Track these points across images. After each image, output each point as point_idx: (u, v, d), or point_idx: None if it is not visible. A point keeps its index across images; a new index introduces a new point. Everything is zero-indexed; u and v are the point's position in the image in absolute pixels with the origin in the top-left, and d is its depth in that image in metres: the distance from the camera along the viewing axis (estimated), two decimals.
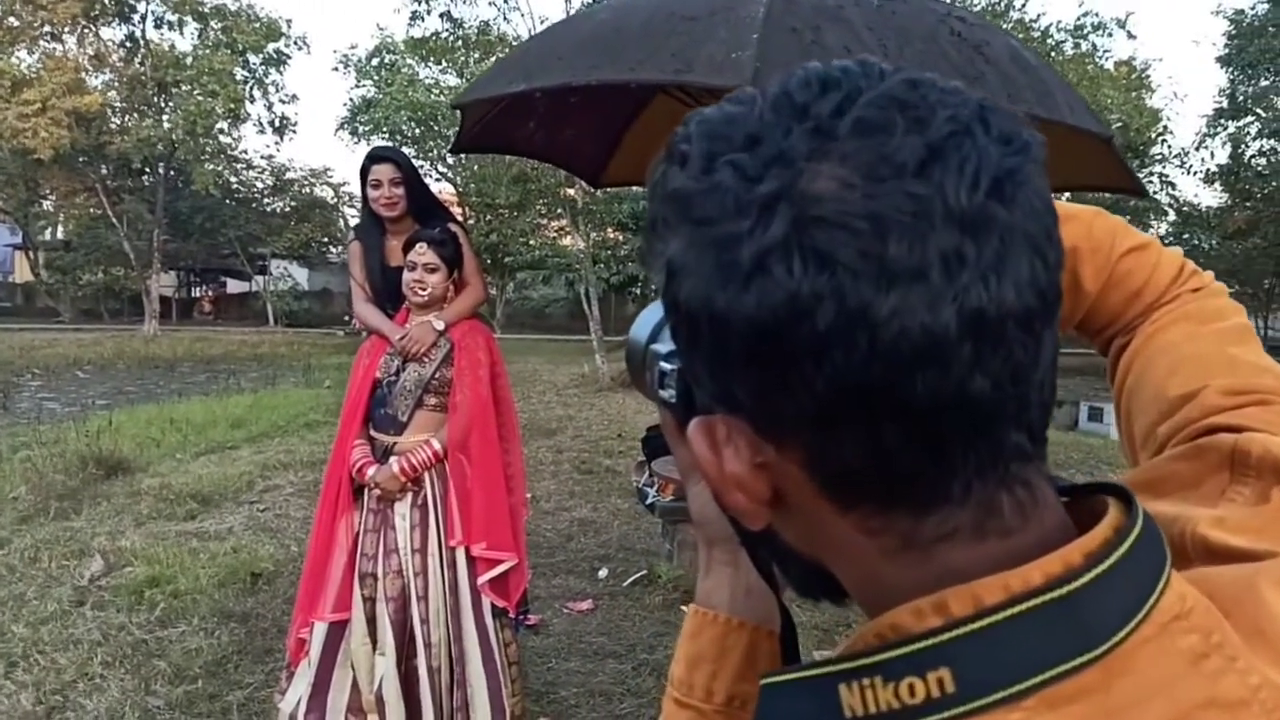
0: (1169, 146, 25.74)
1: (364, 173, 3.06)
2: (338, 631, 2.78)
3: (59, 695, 3.15)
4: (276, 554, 4.82)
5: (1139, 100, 27.16)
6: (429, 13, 16.85)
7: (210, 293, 43.00)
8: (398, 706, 2.68)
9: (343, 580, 2.78)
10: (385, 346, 2.90)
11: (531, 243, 28.51)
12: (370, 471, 2.78)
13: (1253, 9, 23.39)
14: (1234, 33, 25.32)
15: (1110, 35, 22.38)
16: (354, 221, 29.77)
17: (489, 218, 29.86)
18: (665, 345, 0.56)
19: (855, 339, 0.36)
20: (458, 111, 3.47)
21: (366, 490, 2.82)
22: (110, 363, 21.16)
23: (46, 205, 35.65)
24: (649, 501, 4.87)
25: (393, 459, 2.79)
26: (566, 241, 22.53)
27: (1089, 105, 2.87)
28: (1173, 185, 35.38)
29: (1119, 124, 23.90)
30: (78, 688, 3.21)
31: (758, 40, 2.27)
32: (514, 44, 16.40)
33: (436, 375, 2.85)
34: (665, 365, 0.55)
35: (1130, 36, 21.80)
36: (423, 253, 2.85)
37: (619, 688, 3.46)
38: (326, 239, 36.52)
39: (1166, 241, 39.34)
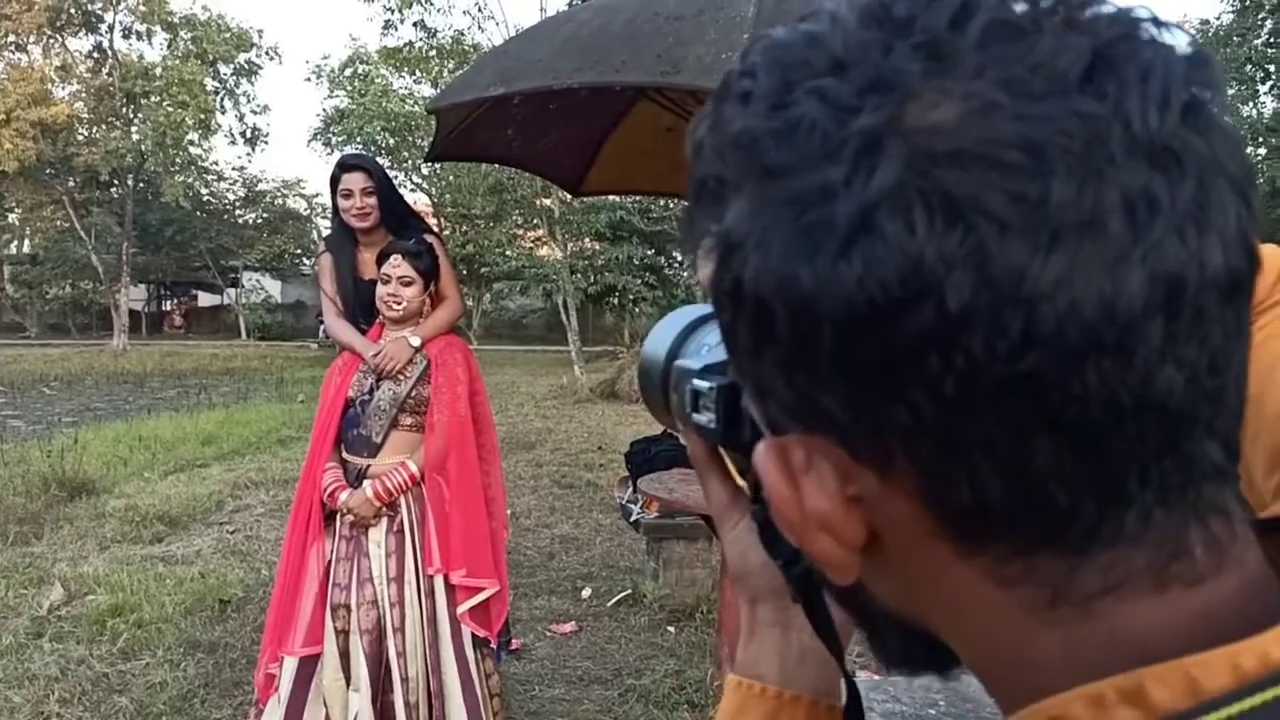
0: None
1: (334, 182, 2.94)
2: (309, 666, 2.64)
3: None
4: (246, 579, 4.65)
5: None
6: (402, 21, 16.76)
7: (181, 306, 42.55)
8: None
9: (314, 612, 2.65)
10: (358, 363, 2.78)
11: (508, 253, 28.39)
12: (343, 497, 2.65)
13: (1218, 19, 23.76)
14: (1199, 41, 25.77)
15: None
16: (327, 233, 29.64)
17: (465, 228, 29.70)
18: (695, 360, 0.48)
19: (1004, 320, 0.27)
20: (433, 118, 3.37)
21: (339, 516, 2.68)
22: (78, 378, 20.74)
23: (12, 219, 35.08)
24: (634, 519, 4.75)
25: (366, 483, 2.66)
26: (544, 251, 22.52)
27: None
28: None
29: None
30: None
31: (748, 41, 2.17)
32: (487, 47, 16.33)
33: (413, 393, 2.73)
34: (700, 384, 0.45)
35: None
36: (397, 265, 2.73)
37: (606, 715, 3.33)
38: (299, 251, 36.20)
39: None
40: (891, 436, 0.30)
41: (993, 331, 0.27)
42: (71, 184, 29.12)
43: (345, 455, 2.73)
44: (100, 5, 27.67)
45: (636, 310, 23.58)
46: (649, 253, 20.84)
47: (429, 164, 20.46)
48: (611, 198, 17.01)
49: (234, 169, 34.79)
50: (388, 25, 17.16)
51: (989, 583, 0.32)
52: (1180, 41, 0.30)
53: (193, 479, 7.56)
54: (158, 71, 27.32)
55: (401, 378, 2.74)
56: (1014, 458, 0.29)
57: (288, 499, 5.45)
